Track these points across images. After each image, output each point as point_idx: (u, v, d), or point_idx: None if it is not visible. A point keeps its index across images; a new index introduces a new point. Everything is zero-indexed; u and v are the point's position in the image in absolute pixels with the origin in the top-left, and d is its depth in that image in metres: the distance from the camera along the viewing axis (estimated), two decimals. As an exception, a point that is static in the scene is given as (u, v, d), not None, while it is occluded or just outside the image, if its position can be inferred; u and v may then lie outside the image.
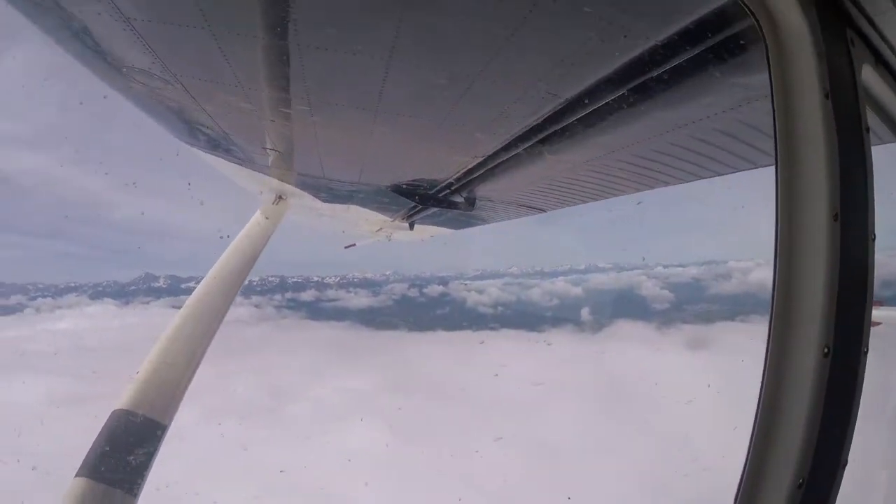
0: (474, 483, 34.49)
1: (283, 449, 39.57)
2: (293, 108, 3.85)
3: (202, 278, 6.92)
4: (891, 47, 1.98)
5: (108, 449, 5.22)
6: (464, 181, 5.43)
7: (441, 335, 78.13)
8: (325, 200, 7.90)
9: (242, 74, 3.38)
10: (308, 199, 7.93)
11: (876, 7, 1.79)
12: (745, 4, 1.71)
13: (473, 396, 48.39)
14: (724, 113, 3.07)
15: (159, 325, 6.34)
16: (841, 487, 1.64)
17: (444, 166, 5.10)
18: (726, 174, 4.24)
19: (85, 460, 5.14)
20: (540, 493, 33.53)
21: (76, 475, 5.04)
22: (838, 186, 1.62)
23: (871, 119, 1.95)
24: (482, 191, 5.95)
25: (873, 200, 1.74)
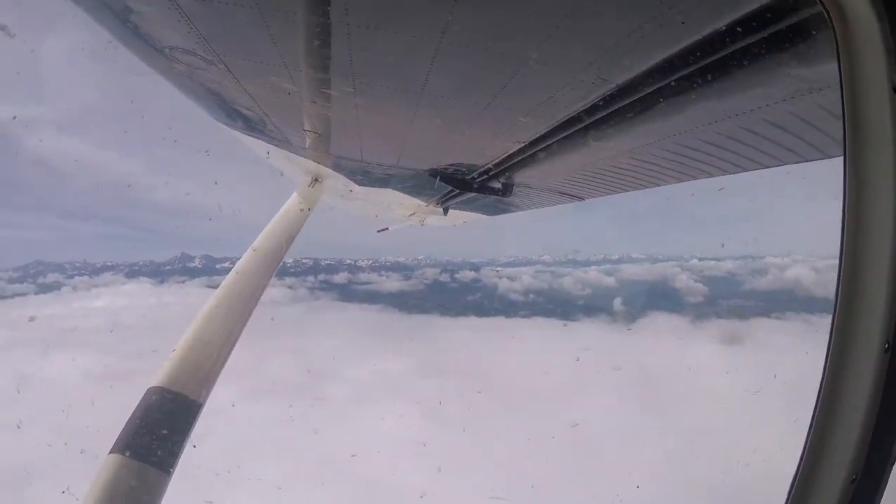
0: (511, 468, 34.75)
1: (321, 429, 40.24)
2: (336, 89, 3.84)
3: (237, 259, 7.02)
4: None
5: (142, 426, 5.30)
6: (503, 167, 5.38)
7: (473, 321, 78.22)
8: (360, 184, 7.92)
9: (287, 54, 3.38)
10: (344, 182, 7.96)
11: None
12: None
13: (507, 382, 48.59)
14: (775, 104, 2.98)
15: (195, 304, 6.45)
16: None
17: (484, 151, 5.06)
18: (773, 167, 4.13)
19: (119, 437, 5.22)
20: (576, 482, 33.56)
21: (110, 452, 5.12)
22: None
23: None
24: (521, 177, 5.89)
25: None
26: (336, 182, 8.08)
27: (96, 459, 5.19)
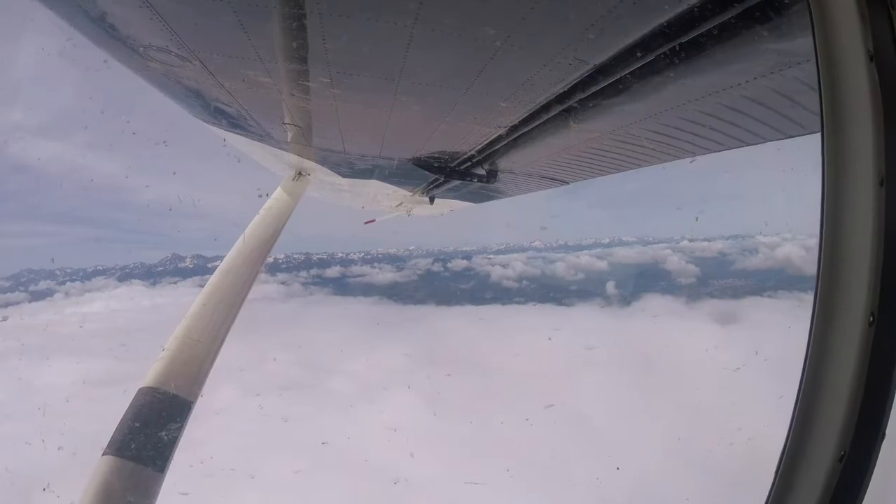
0: (515, 452, 35.03)
1: (323, 421, 40.40)
2: (313, 80, 3.80)
3: (228, 257, 6.96)
4: None
5: (134, 427, 5.28)
6: (486, 153, 5.36)
7: (469, 309, 78.53)
8: (345, 175, 7.88)
9: (261, 47, 3.33)
10: (328, 175, 7.91)
11: None
12: None
13: (508, 369, 48.84)
14: (754, 80, 2.97)
15: (188, 304, 6.43)
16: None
17: (466, 138, 5.04)
18: (754, 144, 4.15)
19: (112, 438, 5.21)
20: (580, 462, 33.90)
21: (103, 453, 5.10)
22: (884, 151, 1.56)
23: None
24: (505, 163, 5.87)
25: None
26: (320, 175, 8.03)
27: (92, 462, 5.15)
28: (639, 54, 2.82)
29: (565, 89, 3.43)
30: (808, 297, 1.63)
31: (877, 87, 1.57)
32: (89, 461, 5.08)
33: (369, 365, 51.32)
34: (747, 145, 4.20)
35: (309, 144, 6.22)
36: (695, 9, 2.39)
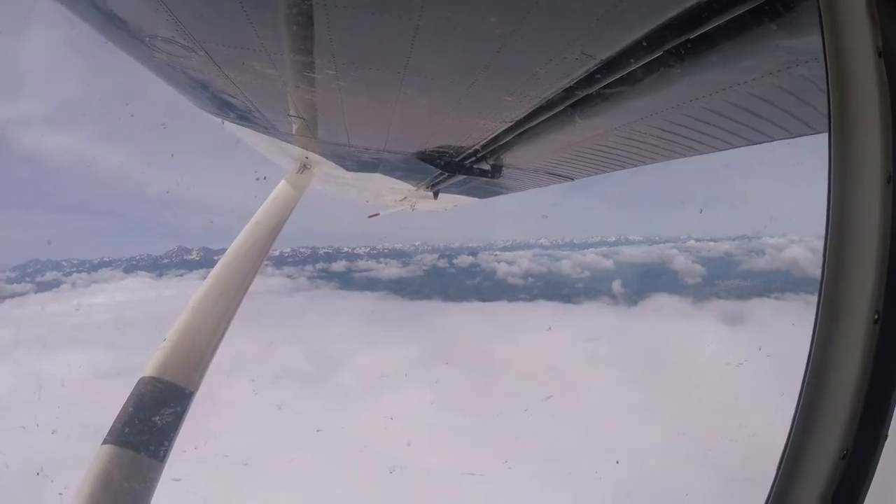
0: (521, 445, 35.16)
1: (322, 411, 40.57)
2: (318, 72, 3.79)
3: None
4: None
5: (135, 416, 5.29)
6: (491, 148, 5.35)
7: (477, 305, 78.61)
8: (349, 169, 7.88)
9: (267, 38, 3.33)
10: (333, 168, 7.91)
11: None
12: None
13: (516, 365, 48.89)
14: (762, 78, 2.95)
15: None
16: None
17: (471, 132, 5.02)
18: (761, 143, 4.13)
19: (112, 427, 5.21)
20: (584, 457, 33.99)
21: (103, 442, 5.10)
22: (892, 148, 1.54)
23: None
24: (509, 158, 5.86)
25: None
26: (325, 168, 8.03)
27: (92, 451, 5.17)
28: (646, 50, 2.81)
29: (571, 84, 3.40)
30: (815, 299, 1.62)
31: (885, 83, 1.56)
32: (90, 450, 5.10)
33: (373, 358, 51.57)
34: (754, 144, 4.18)
35: (314, 137, 6.22)
36: (703, 4, 2.37)
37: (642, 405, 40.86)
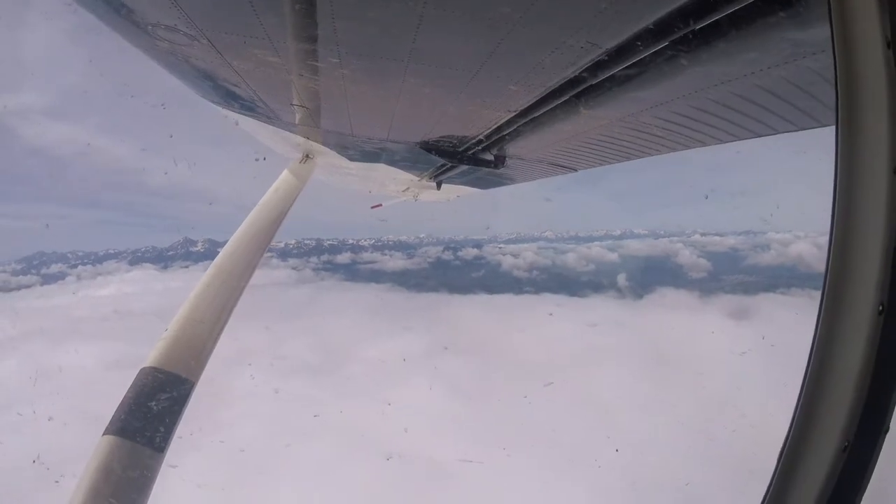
0: (522, 433, 35.30)
1: (324, 400, 40.71)
2: (322, 61, 3.77)
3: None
4: None
5: (135, 406, 5.29)
6: (494, 138, 5.32)
7: (483, 298, 78.63)
8: (352, 159, 7.86)
9: (270, 26, 3.31)
10: (336, 158, 7.90)
11: None
12: None
13: (521, 357, 48.97)
14: (769, 70, 2.93)
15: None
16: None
17: (475, 122, 5.00)
18: (767, 135, 4.10)
19: (113, 418, 5.21)
20: (585, 445, 34.11)
21: (104, 433, 5.10)
22: None
23: None
24: (513, 148, 5.84)
25: None
26: (328, 158, 8.02)
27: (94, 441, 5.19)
28: (651, 40, 2.78)
29: (576, 74, 3.38)
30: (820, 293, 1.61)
31: (894, 74, 1.55)
32: (92, 441, 5.11)
33: (380, 350, 51.63)
34: (759, 136, 4.15)
35: (317, 126, 6.21)
36: None
37: (645, 396, 40.94)
